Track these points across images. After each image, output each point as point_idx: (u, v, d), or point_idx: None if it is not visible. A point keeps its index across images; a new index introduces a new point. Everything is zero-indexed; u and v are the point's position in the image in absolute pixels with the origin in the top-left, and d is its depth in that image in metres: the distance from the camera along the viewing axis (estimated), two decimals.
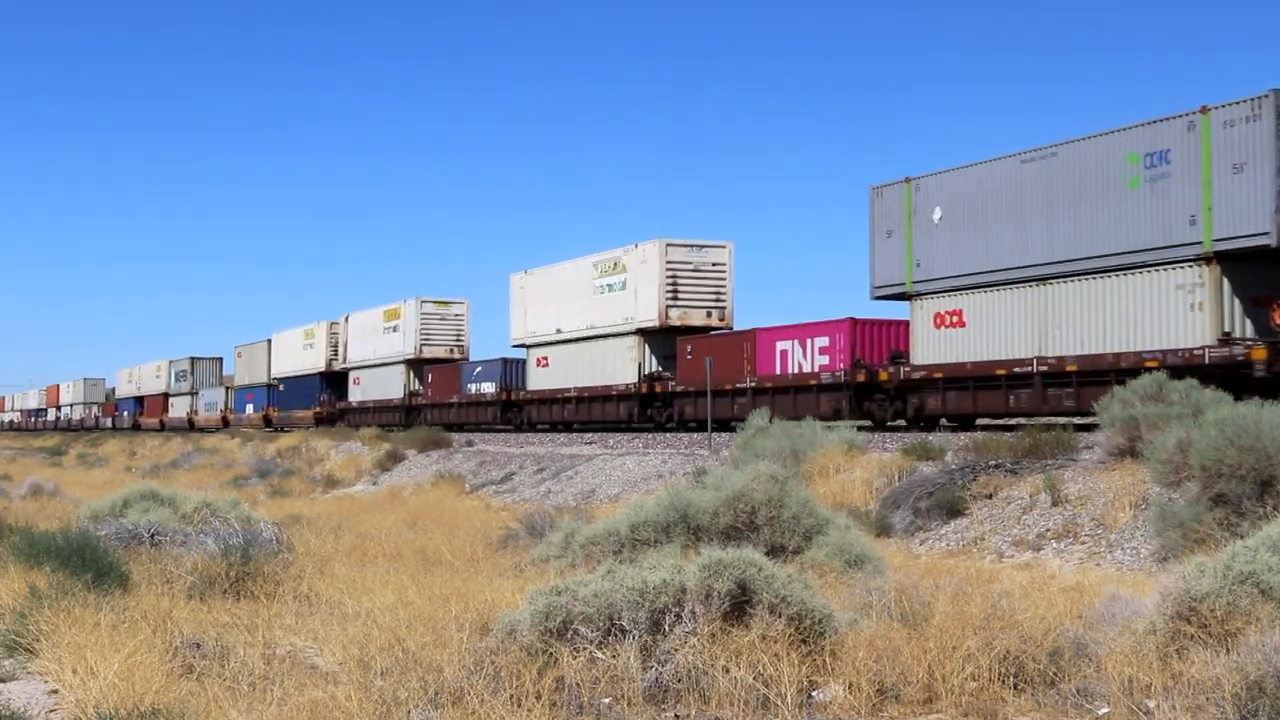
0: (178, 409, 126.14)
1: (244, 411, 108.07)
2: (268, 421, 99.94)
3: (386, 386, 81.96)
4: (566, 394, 61.71)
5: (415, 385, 78.78)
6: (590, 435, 52.88)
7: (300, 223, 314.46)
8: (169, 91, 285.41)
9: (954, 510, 21.90)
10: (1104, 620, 10.88)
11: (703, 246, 56.94)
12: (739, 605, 10.29)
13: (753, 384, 47.71)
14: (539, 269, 66.96)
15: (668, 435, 48.47)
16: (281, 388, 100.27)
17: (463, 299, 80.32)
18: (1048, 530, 19.98)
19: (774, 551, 14.42)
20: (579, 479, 35.10)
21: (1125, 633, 10.14)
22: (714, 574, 10.30)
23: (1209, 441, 17.05)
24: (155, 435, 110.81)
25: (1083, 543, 19.25)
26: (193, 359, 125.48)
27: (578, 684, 9.52)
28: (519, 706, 9.12)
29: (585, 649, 9.92)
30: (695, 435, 45.35)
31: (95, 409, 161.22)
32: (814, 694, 9.63)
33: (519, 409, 67.08)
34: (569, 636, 10.07)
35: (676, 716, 9.37)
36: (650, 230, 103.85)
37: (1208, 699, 8.69)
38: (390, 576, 15.24)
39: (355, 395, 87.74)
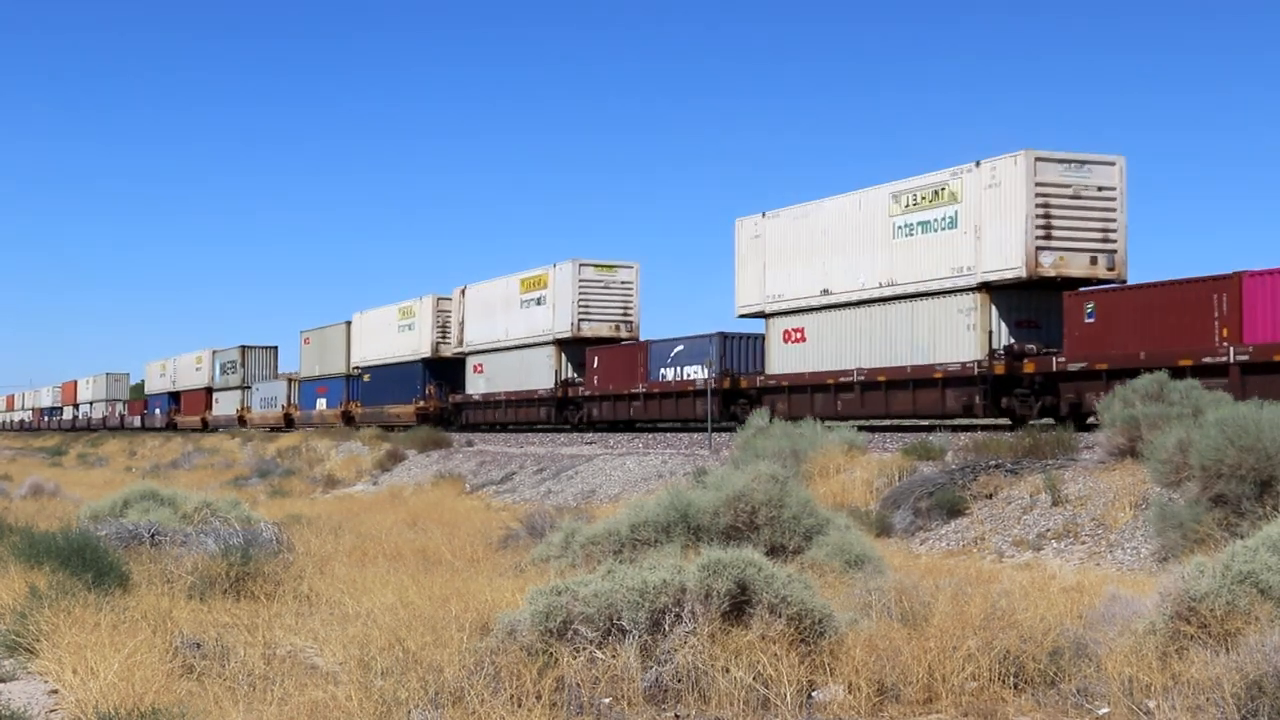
0: (225, 405, 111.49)
1: (313, 407, 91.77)
2: (349, 419, 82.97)
3: (526, 374, 65.40)
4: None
5: (569, 372, 62.85)
6: (591, 435, 52.81)
7: (305, 217, 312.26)
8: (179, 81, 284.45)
9: (954, 510, 21.90)
10: (1104, 620, 10.89)
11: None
12: (739, 605, 10.29)
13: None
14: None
15: (668, 435, 48.57)
16: (367, 378, 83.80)
17: (631, 261, 63.41)
18: (1048, 530, 19.98)
19: (774, 551, 14.43)
20: (579, 479, 35.10)
21: (1125, 633, 10.15)
22: (714, 574, 10.31)
23: (1209, 442, 17.05)
24: (176, 436, 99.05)
25: (1083, 543, 19.26)
26: (243, 348, 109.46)
27: (578, 684, 9.53)
28: (519, 706, 9.12)
29: (585, 649, 9.92)
30: (696, 435, 45.35)
31: (120, 407, 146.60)
32: (814, 694, 9.64)
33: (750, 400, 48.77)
34: (569, 636, 10.08)
35: (676, 716, 9.38)
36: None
37: (1208, 699, 8.69)
38: (390, 576, 15.24)
39: (478, 386, 70.53)
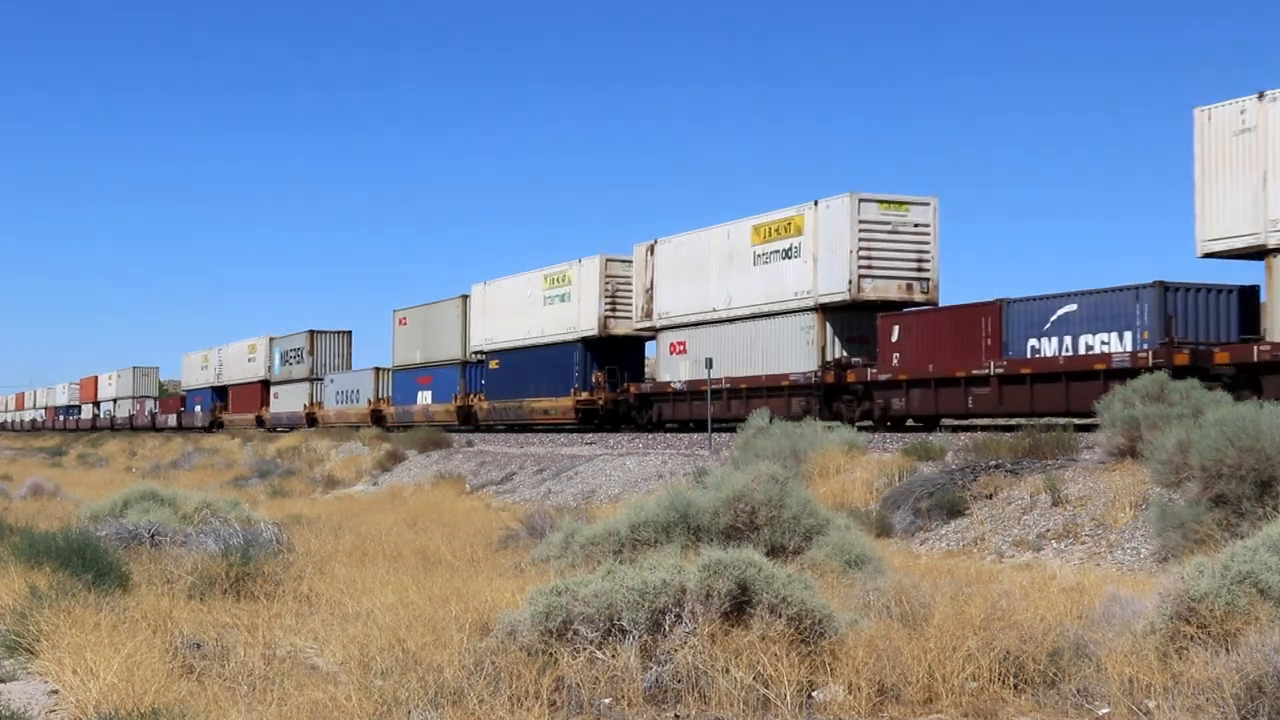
0: (287, 401, 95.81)
1: (412, 402, 76.44)
2: (467, 418, 69.69)
3: (765, 353, 48.04)
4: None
5: (838, 350, 45.19)
6: (590, 435, 52.68)
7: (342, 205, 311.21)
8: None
9: (954, 510, 21.89)
10: (1104, 620, 10.90)
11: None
12: (739, 605, 10.29)
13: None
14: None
15: (667, 435, 48.26)
16: (495, 365, 67.53)
17: (926, 197, 45.27)
18: (1048, 530, 19.98)
19: (774, 551, 14.43)
20: (579, 479, 35.09)
21: (1125, 633, 10.16)
22: (714, 574, 10.31)
23: (1209, 442, 17.05)
24: (203, 436, 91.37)
25: (1083, 543, 19.25)
26: (312, 333, 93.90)
27: (578, 684, 9.53)
28: (519, 706, 9.12)
29: (585, 649, 9.92)
30: (695, 435, 45.26)
31: (151, 404, 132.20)
32: (814, 694, 9.63)
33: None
34: (569, 637, 10.08)
35: (676, 717, 9.37)
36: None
37: (1208, 699, 8.70)
38: (390, 577, 15.24)
39: (677, 371, 52.78)
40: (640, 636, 10.03)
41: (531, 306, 64.25)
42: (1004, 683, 9.69)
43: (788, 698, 9.31)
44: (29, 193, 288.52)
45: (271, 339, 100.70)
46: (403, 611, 12.32)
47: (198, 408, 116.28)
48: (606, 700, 9.48)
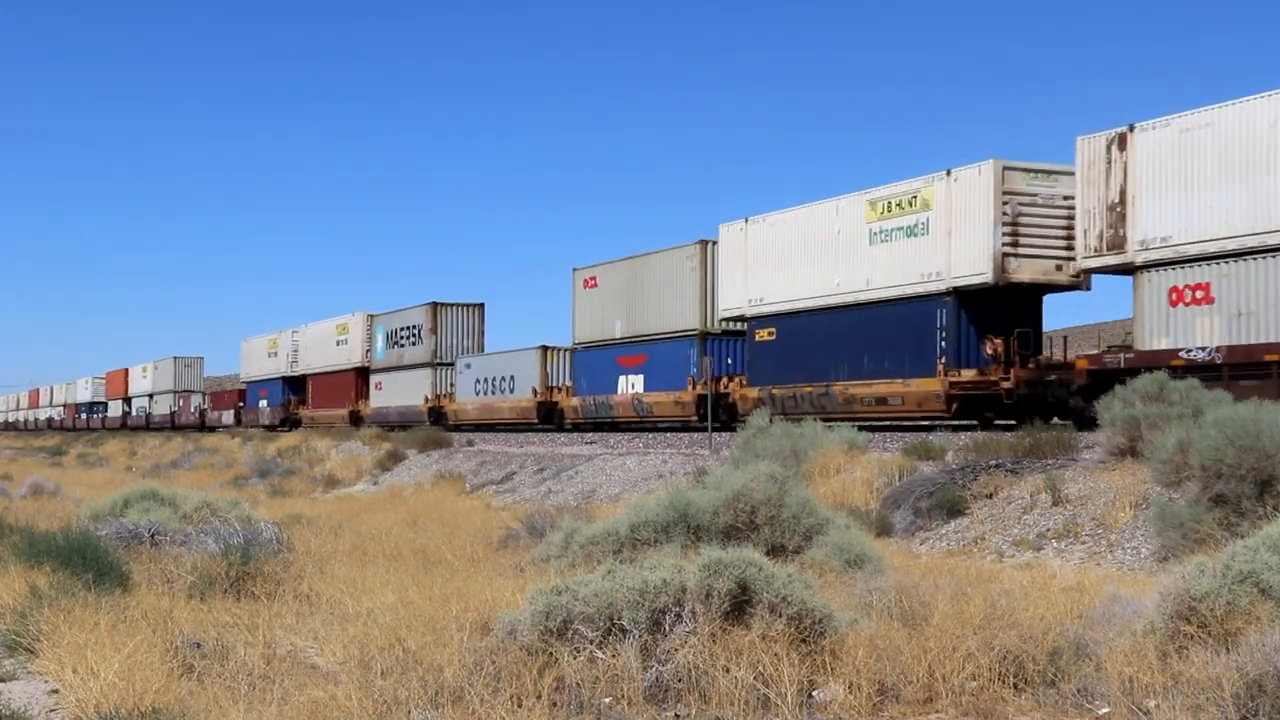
0: (396, 392, 78.31)
1: (615, 389, 56.10)
2: (731, 410, 48.12)
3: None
4: None
5: None
6: (591, 435, 52.61)
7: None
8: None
9: (954, 510, 21.90)
10: (1104, 620, 10.90)
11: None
12: (739, 605, 10.29)
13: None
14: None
15: (667, 435, 48.15)
16: (768, 335, 46.65)
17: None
18: (1048, 530, 19.98)
19: (774, 551, 14.43)
20: (579, 479, 35.09)
21: (1125, 632, 10.16)
22: (714, 573, 10.31)
23: (1209, 441, 17.05)
24: (212, 435, 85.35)
25: (1083, 542, 19.25)
26: (435, 306, 75.30)
27: (578, 684, 9.53)
28: (519, 706, 9.12)
29: (585, 649, 9.92)
30: (696, 435, 45.14)
31: (198, 399, 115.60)
32: (814, 694, 9.63)
33: None
34: (569, 636, 10.08)
35: (677, 716, 9.37)
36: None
37: (1208, 699, 8.69)
38: (391, 576, 15.26)
39: (1182, 330, 31.80)
40: (640, 636, 10.03)
41: (845, 248, 43.40)
42: (1004, 682, 9.69)
43: (788, 697, 9.31)
44: (29, 186, 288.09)
45: (371, 316, 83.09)
46: (403, 611, 12.33)
47: (263, 402, 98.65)
48: (607, 700, 9.48)
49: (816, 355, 43.96)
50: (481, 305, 77.38)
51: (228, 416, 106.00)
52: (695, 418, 50.52)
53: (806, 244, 44.82)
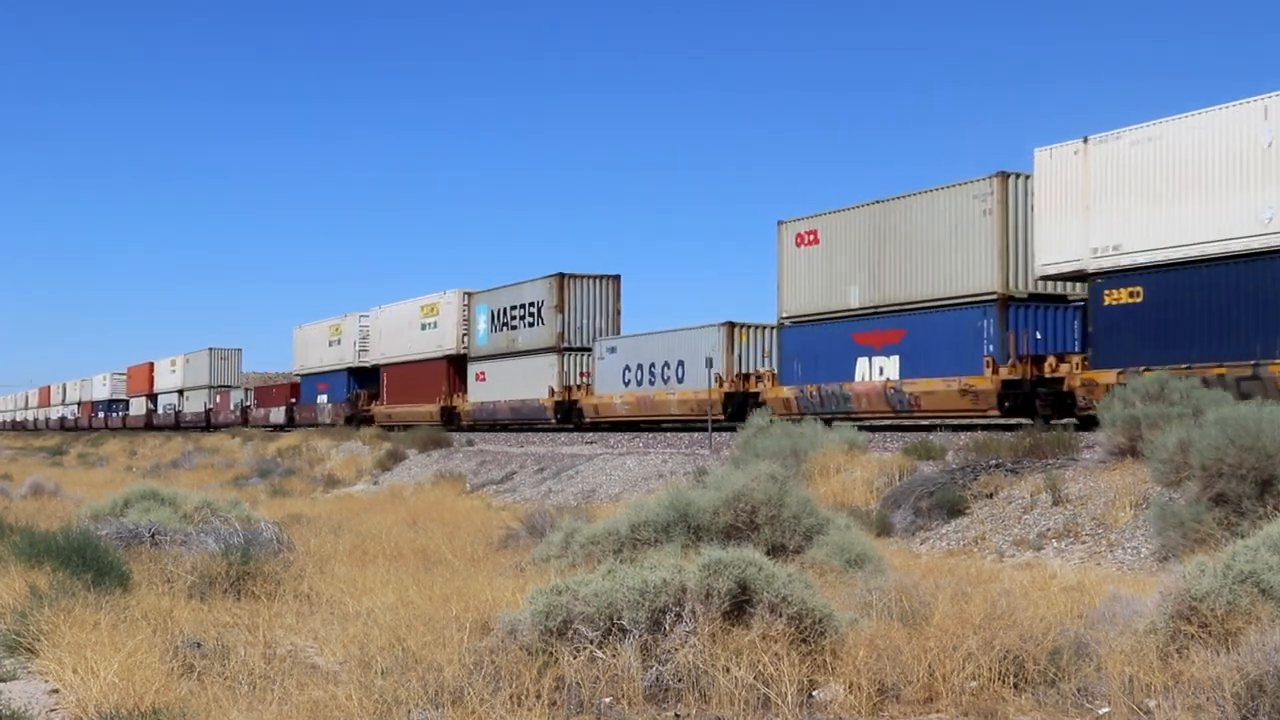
0: (509, 382, 64.52)
1: (852, 375, 43.10)
2: (1023, 402, 37.10)
3: None
4: None
5: None
6: (591, 435, 52.61)
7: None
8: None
9: (955, 510, 21.89)
10: (1104, 620, 10.90)
11: None
12: (739, 605, 10.29)
13: None
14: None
15: (668, 435, 48.14)
16: (1131, 296, 33.27)
17: None
18: (1048, 530, 19.97)
19: (774, 551, 14.43)
20: (579, 478, 35.08)
21: (1126, 632, 10.16)
22: (714, 573, 10.31)
23: (1209, 441, 17.05)
24: (213, 435, 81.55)
25: (1083, 542, 19.25)
26: (562, 276, 61.90)
27: (578, 683, 9.53)
28: (519, 706, 9.12)
29: (586, 648, 9.92)
30: (696, 435, 45.07)
31: (241, 396, 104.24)
32: (814, 693, 9.63)
33: None
34: (569, 636, 10.08)
35: (677, 716, 9.37)
36: None
37: (1208, 698, 8.69)
38: (391, 576, 15.27)
39: None
40: (640, 636, 10.04)
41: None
42: (1004, 682, 9.69)
43: (788, 697, 9.30)
44: (33, 183, 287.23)
45: (469, 294, 70.11)
46: (403, 611, 12.33)
47: (322, 398, 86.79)
48: (607, 699, 9.48)
49: (1229, 323, 31.10)
50: (617, 277, 62.59)
51: (277, 414, 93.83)
52: (994, 411, 37.68)
53: (1205, 165, 31.47)
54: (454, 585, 13.91)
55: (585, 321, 62.03)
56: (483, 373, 67.85)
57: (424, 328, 73.54)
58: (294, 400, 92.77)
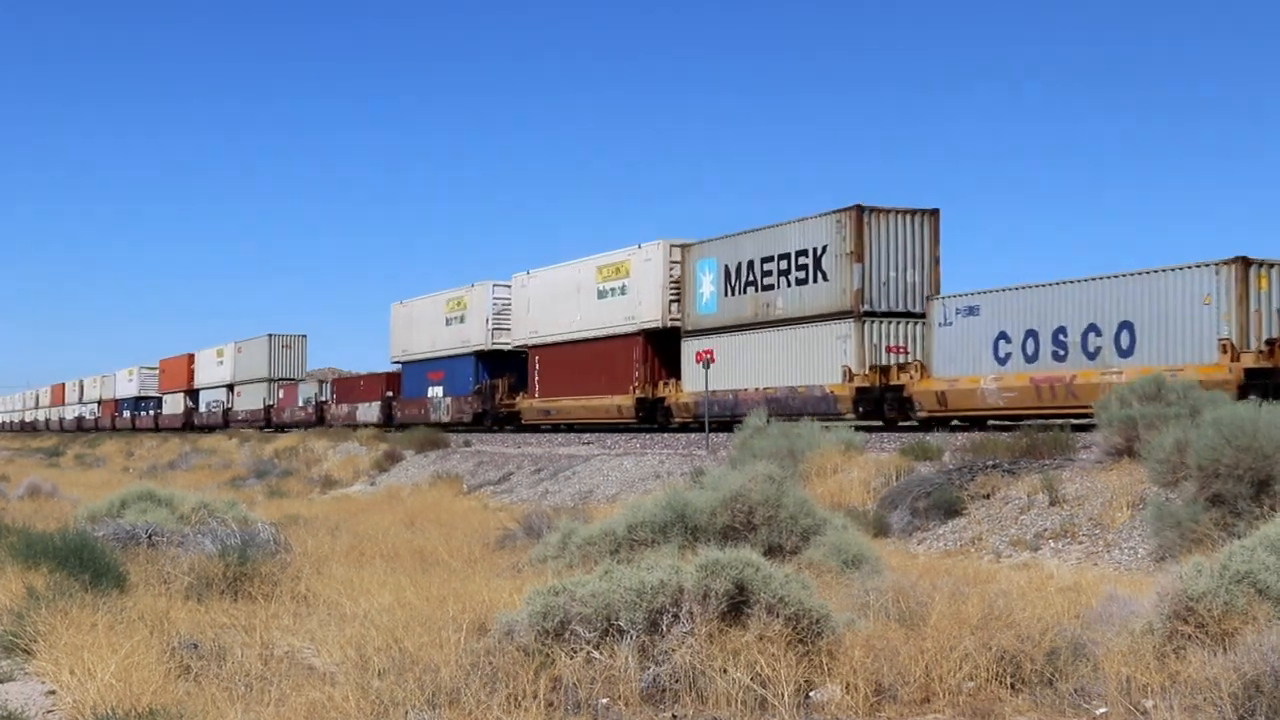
0: (759, 363, 46.62)
1: None
2: None
3: None
4: None
5: None
6: (588, 435, 52.43)
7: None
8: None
9: (951, 510, 21.90)
10: (1101, 620, 10.91)
11: None
12: (736, 605, 10.29)
13: None
14: None
15: (665, 435, 47.97)
16: None
17: None
18: (1045, 530, 19.99)
19: (771, 551, 14.44)
20: (576, 479, 35.10)
21: (1123, 632, 10.17)
22: (711, 574, 10.31)
23: (1206, 442, 17.06)
24: (201, 436, 78.75)
25: (1080, 542, 19.26)
26: (860, 211, 42.73)
27: (575, 684, 9.53)
28: (516, 706, 9.12)
29: (583, 649, 9.92)
30: (693, 435, 44.93)
31: (311, 390, 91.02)
32: (811, 694, 9.64)
33: None
34: (566, 637, 10.08)
35: (674, 716, 9.37)
36: None
37: (1205, 699, 8.70)
38: (388, 577, 15.25)
39: None
40: (637, 636, 10.04)
41: None
42: (1001, 682, 9.70)
43: (785, 697, 9.31)
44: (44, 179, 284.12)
45: (684, 246, 51.56)
46: (400, 612, 12.32)
47: (435, 389, 71.41)
48: (604, 700, 9.48)
49: None
50: (935, 212, 43.90)
51: (367, 411, 79.19)
52: None
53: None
54: (451, 586, 13.90)
55: (892, 275, 43.28)
56: (709, 351, 47.43)
57: (602, 295, 56.32)
58: (391, 394, 77.56)
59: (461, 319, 69.22)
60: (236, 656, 10.88)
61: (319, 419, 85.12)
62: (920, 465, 25.44)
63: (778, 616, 10.14)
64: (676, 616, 10.18)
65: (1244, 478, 16.57)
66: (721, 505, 15.37)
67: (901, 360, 41.91)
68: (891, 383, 41.12)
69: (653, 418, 52.46)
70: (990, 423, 37.77)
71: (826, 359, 43.50)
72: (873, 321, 42.69)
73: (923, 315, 41.44)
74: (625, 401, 53.53)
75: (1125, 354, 33.44)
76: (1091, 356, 34.37)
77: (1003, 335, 37.27)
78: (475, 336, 67.57)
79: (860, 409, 41.85)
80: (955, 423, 38.92)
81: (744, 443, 28.71)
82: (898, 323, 42.85)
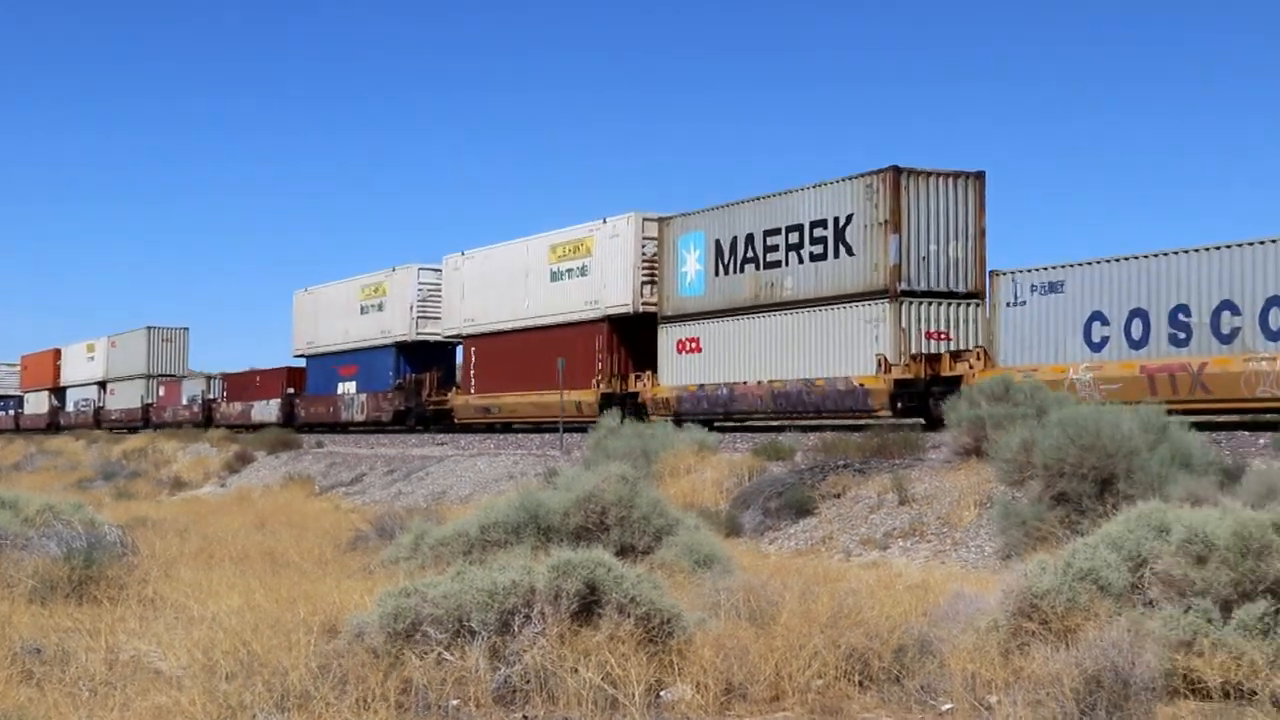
0: (752, 353, 40.13)
1: None
2: None
3: None
4: None
5: None
6: (443, 435, 52.07)
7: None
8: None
9: (803, 510, 22.07)
10: (948, 618, 11.06)
11: None
12: (588, 605, 10.31)
13: None
14: None
15: (518, 436, 47.97)
16: None
17: None
18: (895, 529, 20.21)
19: (624, 552, 14.46)
20: (430, 480, 34.98)
21: (968, 630, 10.32)
22: (563, 574, 10.32)
23: (1051, 441, 17.34)
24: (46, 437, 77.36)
25: (929, 541, 19.49)
26: (897, 174, 36.19)
27: (426, 685, 9.50)
28: (366, 708, 9.07)
29: (434, 650, 9.89)
30: (548, 435, 44.83)
31: (199, 389, 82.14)
32: (662, 694, 9.67)
33: None
34: (417, 638, 10.04)
35: (524, 717, 9.37)
36: None
37: (1048, 694, 8.85)
38: (237, 579, 15.10)
39: None
40: (489, 637, 10.02)
41: None
42: (850, 680, 9.80)
43: (636, 697, 9.34)
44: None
45: (659, 219, 45.55)
46: (249, 614, 12.20)
47: (348, 385, 65.39)
48: (454, 701, 9.46)
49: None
50: (980, 175, 37.50)
51: (264, 410, 72.42)
52: None
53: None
54: (301, 588, 13.79)
55: (933, 249, 36.84)
56: (693, 340, 43.02)
57: (557, 277, 49.80)
58: (294, 391, 70.84)
59: (380, 307, 63.03)
60: (81, 661, 10.73)
61: (207, 419, 77.18)
62: (772, 465, 25.61)
63: (629, 616, 10.17)
64: (528, 617, 10.18)
65: (1088, 476, 16.86)
66: (575, 506, 15.38)
67: (944, 348, 35.63)
68: (943, 373, 34.39)
69: (642, 413, 43.80)
70: None
71: (853, 347, 36.88)
72: (911, 303, 36.04)
73: (969, 295, 36.47)
74: (587, 397, 46.15)
75: (1277, 336, 27.69)
76: (1226, 340, 28.49)
77: (1097, 316, 31.04)
78: (397, 326, 61.39)
79: (899, 405, 34.75)
80: None
81: (598, 443, 28.75)
82: (938, 304, 36.50)
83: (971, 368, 32.97)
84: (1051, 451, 17.22)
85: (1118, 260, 30.81)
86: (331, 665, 9.77)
